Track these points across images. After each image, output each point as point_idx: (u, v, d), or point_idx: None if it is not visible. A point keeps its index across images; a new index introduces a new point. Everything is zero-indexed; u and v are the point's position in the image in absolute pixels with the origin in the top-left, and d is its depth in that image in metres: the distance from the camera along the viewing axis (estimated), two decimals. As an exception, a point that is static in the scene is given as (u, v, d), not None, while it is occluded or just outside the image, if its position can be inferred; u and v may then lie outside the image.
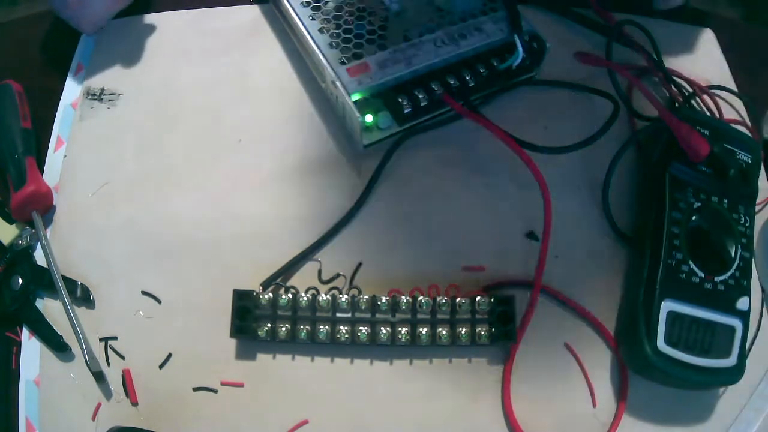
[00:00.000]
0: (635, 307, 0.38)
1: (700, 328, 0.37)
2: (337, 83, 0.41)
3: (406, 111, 0.42)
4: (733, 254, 0.39)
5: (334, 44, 0.43)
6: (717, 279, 0.38)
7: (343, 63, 0.42)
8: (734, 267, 0.39)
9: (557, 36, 0.47)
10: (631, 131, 0.47)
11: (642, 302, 0.38)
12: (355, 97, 0.41)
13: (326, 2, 0.45)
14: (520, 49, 0.44)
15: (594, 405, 0.38)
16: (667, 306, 0.37)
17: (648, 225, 0.40)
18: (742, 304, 0.38)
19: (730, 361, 0.37)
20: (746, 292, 0.39)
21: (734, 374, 0.37)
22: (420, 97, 0.42)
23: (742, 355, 0.37)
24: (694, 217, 0.39)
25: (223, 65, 0.49)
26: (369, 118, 0.42)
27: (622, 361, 0.39)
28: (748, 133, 0.46)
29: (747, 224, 0.40)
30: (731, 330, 0.38)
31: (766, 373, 0.40)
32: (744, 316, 0.38)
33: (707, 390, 0.39)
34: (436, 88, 0.43)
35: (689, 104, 0.46)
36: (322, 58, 0.42)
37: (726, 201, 0.40)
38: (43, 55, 0.51)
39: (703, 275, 0.38)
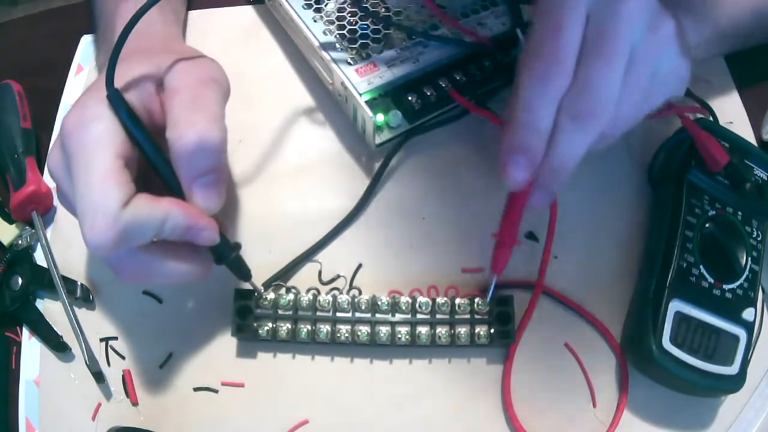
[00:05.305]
0: (644, 304, 0.38)
1: (706, 333, 0.37)
2: (347, 84, 0.41)
3: (416, 109, 0.42)
4: (743, 264, 0.39)
5: (339, 45, 0.43)
6: (726, 287, 0.38)
7: (350, 64, 0.42)
8: (743, 278, 0.39)
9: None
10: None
11: (651, 299, 0.38)
12: (366, 97, 0.41)
13: (326, 3, 0.45)
14: (523, 42, 0.43)
15: (594, 405, 0.38)
16: (675, 306, 0.37)
17: (663, 227, 0.40)
18: (748, 314, 0.38)
19: (732, 369, 0.37)
20: (753, 303, 0.39)
21: (735, 383, 0.37)
22: (428, 94, 0.42)
23: (744, 365, 0.37)
24: (708, 224, 0.39)
25: (223, 65, 0.49)
26: (380, 117, 0.42)
27: (623, 361, 0.39)
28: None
29: (759, 239, 0.40)
30: (735, 339, 0.38)
31: (766, 374, 0.40)
32: (749, 326, 0.38)
33: (706, 397, 0.39)
34: (444, 85, 0.42)
35: (712, 118, 0.46)
36: (329, 59, 0.42)
37: (740, 213, 0.40)
38: (43, 55, 0.51)
39: (712, 281, 0.38)
